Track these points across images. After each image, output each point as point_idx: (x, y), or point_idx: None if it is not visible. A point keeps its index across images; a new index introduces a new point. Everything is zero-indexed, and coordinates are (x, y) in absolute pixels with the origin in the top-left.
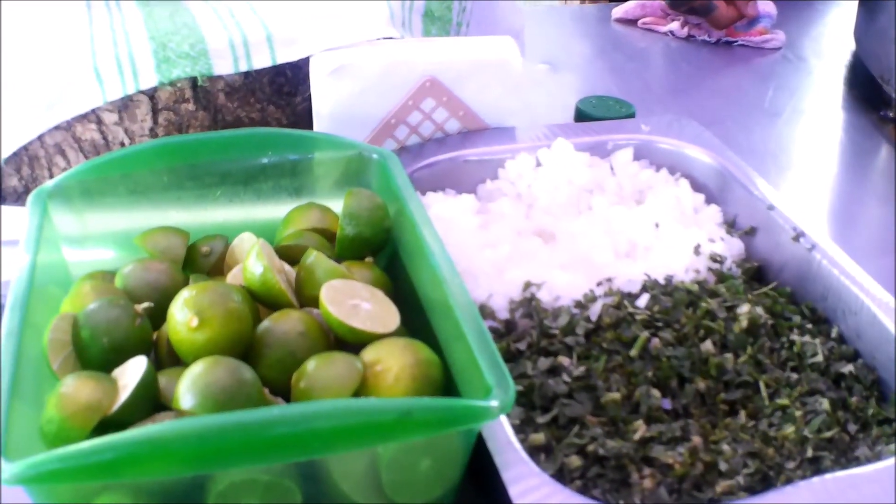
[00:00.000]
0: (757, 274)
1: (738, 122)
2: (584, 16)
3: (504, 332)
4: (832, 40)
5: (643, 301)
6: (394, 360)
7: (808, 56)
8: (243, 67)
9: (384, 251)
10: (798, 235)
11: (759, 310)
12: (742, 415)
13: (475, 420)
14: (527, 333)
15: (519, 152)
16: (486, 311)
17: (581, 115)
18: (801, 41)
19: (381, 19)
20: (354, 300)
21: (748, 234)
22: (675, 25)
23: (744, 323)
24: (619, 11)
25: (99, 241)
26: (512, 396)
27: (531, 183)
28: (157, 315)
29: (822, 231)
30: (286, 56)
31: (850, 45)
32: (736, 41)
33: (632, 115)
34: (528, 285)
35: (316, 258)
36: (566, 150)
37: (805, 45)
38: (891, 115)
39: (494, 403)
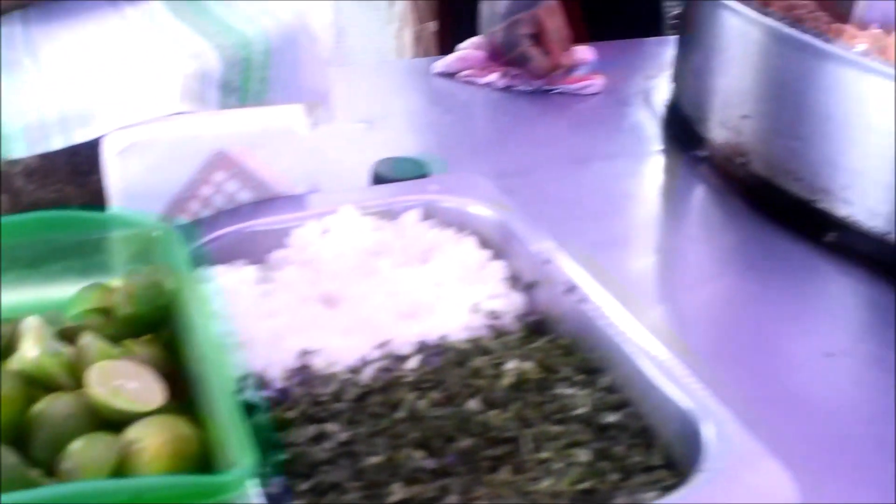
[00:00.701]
0: (539, 327)
1: (548, 172)
2: (410, 70)
3: (280, 401)
4: (654, 82)
5: (414, 362)
6: (152, 438)
7: (627, 99)
8: (39, 150)
9: (167, 327)
10: (569, 289)
11: (528, 364)
12: (505, 471)
13: (210, 496)
14: (298, 402)
15: (307, 220)
16: (263, 382)
17: (377, 178)
18: (621, 84)
19: (174, 94)
20: (119, 380)
21: (529, 287)
22: (494, 77)
23: (510, 378)
24: (439, 65)
25: None
26: (251, 470)
27: (318, 250)
28: None
29: (646, 268)
30: (81, 136)
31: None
32: (554, 89)
33: (424, 176)
34: (303, 353)
35: (89, 340)
36: (352, 215)
37: (625, 88)
38: (703, 154)
39: (229, 478)
